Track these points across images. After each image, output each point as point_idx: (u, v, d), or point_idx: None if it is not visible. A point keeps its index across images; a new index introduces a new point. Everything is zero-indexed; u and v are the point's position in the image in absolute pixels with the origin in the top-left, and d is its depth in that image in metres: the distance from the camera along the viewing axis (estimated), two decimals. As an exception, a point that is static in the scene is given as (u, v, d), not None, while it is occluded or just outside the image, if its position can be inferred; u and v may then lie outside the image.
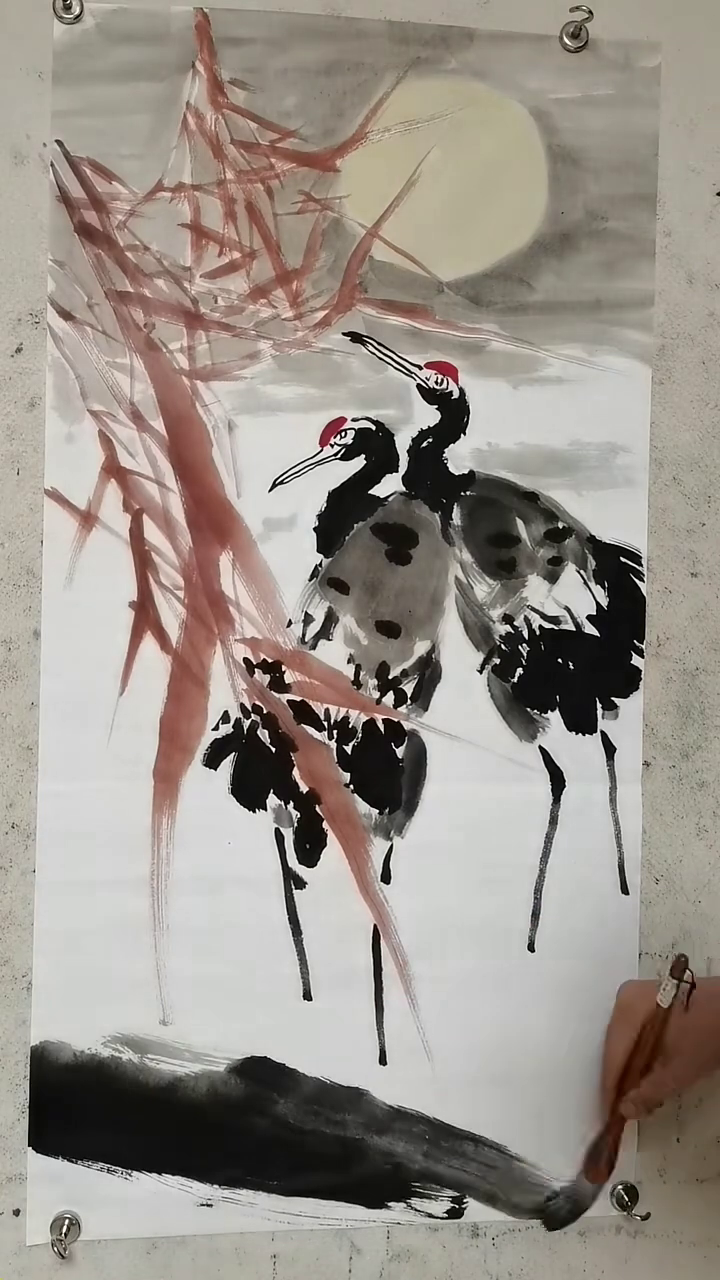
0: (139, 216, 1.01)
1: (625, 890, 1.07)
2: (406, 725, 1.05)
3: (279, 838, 1.03)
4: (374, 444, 1.04)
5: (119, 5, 1.01)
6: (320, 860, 1.04)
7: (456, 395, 1.05)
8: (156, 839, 1.02)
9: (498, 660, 1.06)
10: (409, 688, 1.05)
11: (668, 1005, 0.96)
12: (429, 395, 1.05)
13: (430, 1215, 1.05)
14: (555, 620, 1.07)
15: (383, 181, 1.04)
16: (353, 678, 1.04)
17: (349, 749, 1.04)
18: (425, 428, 1.05)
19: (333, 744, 1.04)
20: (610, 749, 1.07)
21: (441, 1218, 1.05)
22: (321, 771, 1.04)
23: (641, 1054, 0.97)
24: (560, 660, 1.07)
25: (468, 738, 1.05)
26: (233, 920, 1.02)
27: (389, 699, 1.05)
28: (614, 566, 1.07)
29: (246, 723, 1.03)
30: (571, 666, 1.07)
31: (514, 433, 1.06)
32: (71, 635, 1.01)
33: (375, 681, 1.05)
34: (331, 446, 1.04)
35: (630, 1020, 0.98)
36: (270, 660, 1.03)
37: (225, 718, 1.03)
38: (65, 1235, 1.00)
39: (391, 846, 1.04)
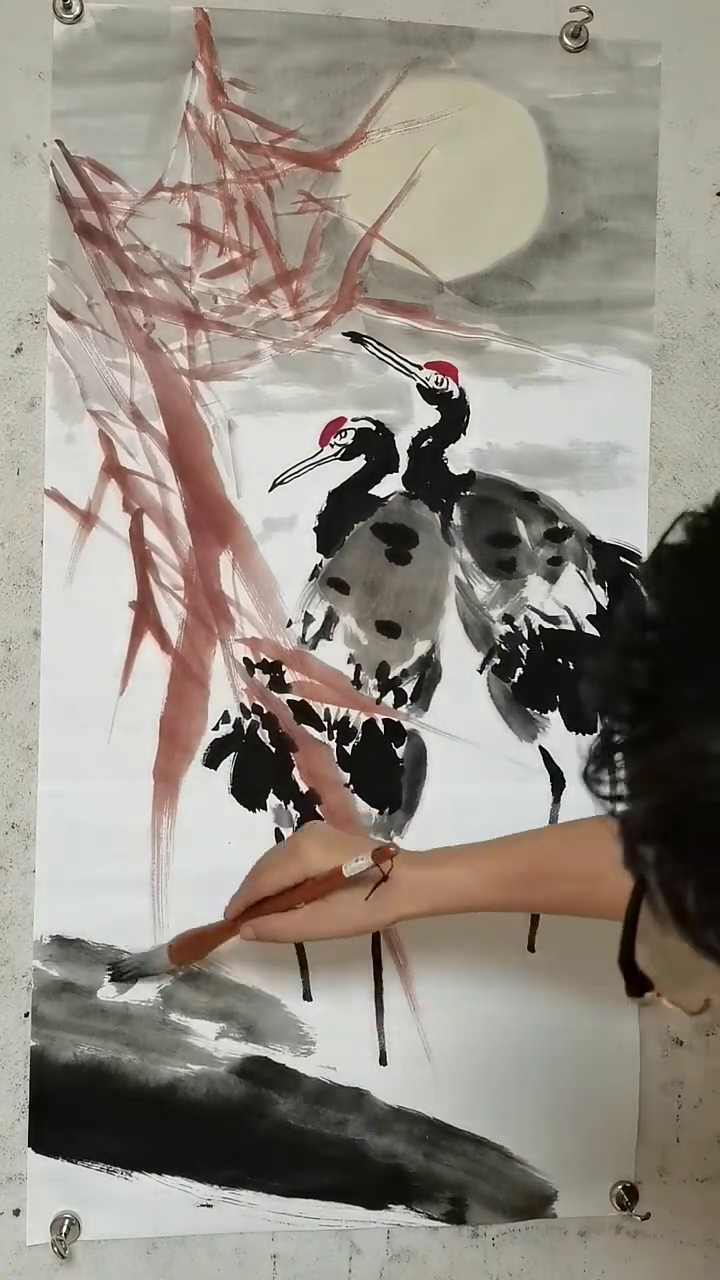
0: (139, 216, 1.01)
1: (625, 890, 1.07)
2: (406, 725, 1.05)
3: (279, 838, 1.03)
4: (374, 444, 1.04)
5: (119, 5, 1.01)
6: (320, 860, 1.04)
7: (456, 395, 1.05)
8: (156, 839, 1.02)
9: (498, 660, 1.06)
10: (409, 688, 1.05)
11: (349, 877, 0.88)
12: (429, 395, 1.05)
13: (430, 1216, 1.05)
14: (555, 620, 1.07)
15: (383, 181, 1.04)
16: (353, 678, 1.04)
17: (349, 749, 1.04)
18: (425, 428, 1.05)
19: (333, 744, 1.04)
20: (610, 749, 1.06)
21: (441, 1219, 1.05)
22: (321, 771, 1.04)
23: (293, 897, 0.91)
24: (560, 660, 1.07)
25: (468, 738, 1.05)
26: (233, 920, 1.02)
27: (389, 699, 1.05)
28: (614, 566, 1.07)
29: (246, 723, 1.03)
30: (571, 666, 1.07)
31: (514, 433, 1.06)
32: (71, 635, 1.01)
33: (375, 681, 1.04)
34: (331, 446, 1.04)
35: (301, 866, 0.90)
36: (270, 660, 1.03)
37: (225, 718, 1.03)
38: (65, 1235, 1.00)
39: (391, 846, 1.04)
